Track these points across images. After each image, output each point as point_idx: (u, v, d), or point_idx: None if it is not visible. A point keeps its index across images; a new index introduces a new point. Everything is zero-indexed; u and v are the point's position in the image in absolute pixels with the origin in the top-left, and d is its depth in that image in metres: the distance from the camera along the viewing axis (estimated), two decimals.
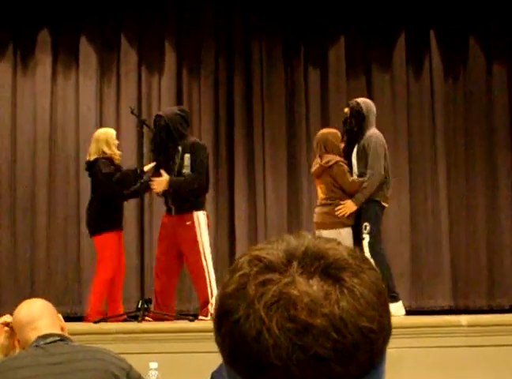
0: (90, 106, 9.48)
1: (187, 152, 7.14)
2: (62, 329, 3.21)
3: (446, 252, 9.41)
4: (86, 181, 9.22)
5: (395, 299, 6.85)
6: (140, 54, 9.60)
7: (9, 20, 9.49)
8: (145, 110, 9.43)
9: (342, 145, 7.27)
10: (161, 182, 7.08)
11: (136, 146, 8.50)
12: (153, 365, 4.20)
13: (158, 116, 7.36)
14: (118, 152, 7.47)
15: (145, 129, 7.39)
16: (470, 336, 6.14)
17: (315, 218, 7.23)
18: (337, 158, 7.14)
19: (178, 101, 9.51)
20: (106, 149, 7.34)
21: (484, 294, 9.36)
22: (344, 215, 6.99)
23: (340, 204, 7.02)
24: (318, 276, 0.94)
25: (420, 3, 9.77)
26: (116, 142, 7.49)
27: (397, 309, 6.83)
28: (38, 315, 3.16)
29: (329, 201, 7.10)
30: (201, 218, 7.10)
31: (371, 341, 0.93)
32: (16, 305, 9.63)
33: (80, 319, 7.87)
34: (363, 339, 0.92)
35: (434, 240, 9.46)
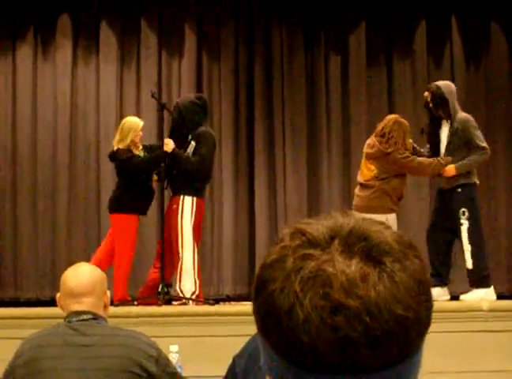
0: (110, 90, 9.48)
1: (193, 141, 7.13)
2: (105, 307, 3.14)
3: None
4: (106, 165, 9.24)
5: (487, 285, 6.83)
6: (160, 38, 9.58)
7: (29, 4, 9.49)
8: (165, 94, 9.42)
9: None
10: (169, 141, 7.06)
11: (156, 130, 8.52)
12: (174, 348, 4.21)
13: (175, 104, 7.37)
14: (139, 146, 7.36)
15: (166, 113, 7.37)
16: (490, 321, 6.13)
17: (357, 201, 6.85)
18: (399, 146, 6.83)
19: (199, 85, 9.50)
20: (129, 140, 7.24)
21: (505, 279, 9.32)
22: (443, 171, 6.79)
23: (385, 190, 6.76)
24: (358, 257, 0.92)
25: None
26: (140, 134, 7.33)
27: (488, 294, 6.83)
28: (88, 291, 3.04)
29: (377, 183, 6.76)
30: (186, 203, 7.04)
31: (405, 330, 0.91)
32: (37, 290, 9.49)
33: None
34: (397, 327, 0.90)
35: None
